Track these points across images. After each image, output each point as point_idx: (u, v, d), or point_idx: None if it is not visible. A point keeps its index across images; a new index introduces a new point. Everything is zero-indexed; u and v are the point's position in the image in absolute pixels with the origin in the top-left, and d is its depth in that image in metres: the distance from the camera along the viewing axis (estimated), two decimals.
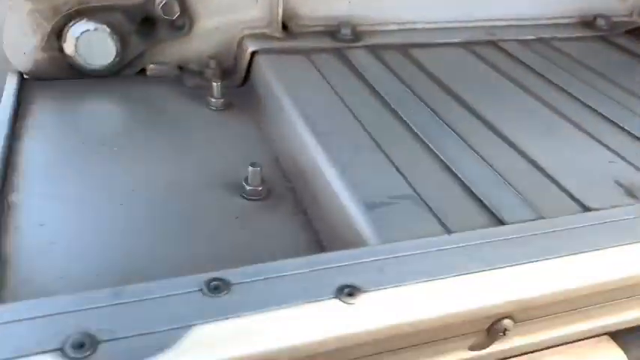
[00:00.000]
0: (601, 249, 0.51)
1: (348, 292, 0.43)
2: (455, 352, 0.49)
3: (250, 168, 0.64)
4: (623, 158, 0.70)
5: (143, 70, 0.88)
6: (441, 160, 0.66)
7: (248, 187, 0.64)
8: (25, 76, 0.84)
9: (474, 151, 0.68)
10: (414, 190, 0.60)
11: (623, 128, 0.77)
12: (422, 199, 0.59)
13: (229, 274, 0.44)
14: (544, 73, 0.92)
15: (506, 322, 0.47)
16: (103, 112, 0.82)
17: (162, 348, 0.37)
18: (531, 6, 1.10)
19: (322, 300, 0.42)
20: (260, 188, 0.64)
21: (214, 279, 0.43)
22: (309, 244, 0.59)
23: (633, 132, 0.76)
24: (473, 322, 0.47)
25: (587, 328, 0.55)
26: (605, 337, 0.58)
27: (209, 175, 0.69)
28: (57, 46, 0.82)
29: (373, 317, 0.42)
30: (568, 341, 0.56)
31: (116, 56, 0.84)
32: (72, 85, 0.84)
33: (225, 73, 0.90)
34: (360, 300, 0.43)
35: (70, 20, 0.81)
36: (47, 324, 0.38)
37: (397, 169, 0.63)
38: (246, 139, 0.77)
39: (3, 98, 0.77)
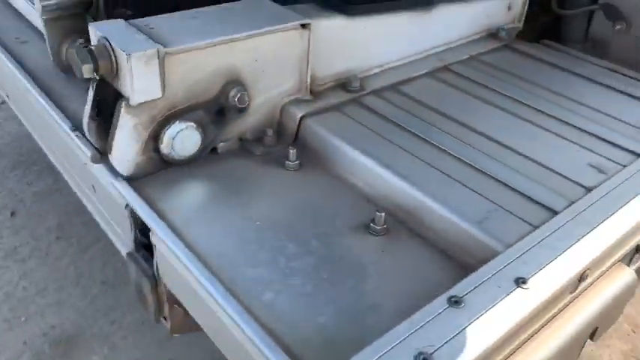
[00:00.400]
0: None
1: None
2: None
3: (377, 213, 0.88)
4: (584, 147, 1.07)
5: (214, 149, 1.05)
6: (478, 170, 0.97)
7: (378, 227, 0.88)
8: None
9: (494, 159, 1.00)
10: (488, 199, 0.90)
11: (571, 124, 1.14)
12: (497, 204, 0.89)
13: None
14: (494, 87, 1.26)
15: None
16: (209, 188, 0.98)
17: None
18: (454, 30, 1.44)
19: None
20: (385, 226, 0.89)
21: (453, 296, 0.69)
22: (440, 256, 0.86)
23: (580, 126, 1.13)
24: None
25: None
26: None
27: (329, 223, 0.91)
28: (152, 147, 0.96)
29: None
30: None
31: (200, 145, 1.00)
32: (165, 174, 0.99)
33: (277, 136, 1.10)
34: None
35: (165, 125, 0.95)
36: None
37: (465, 186, 0.93)
38: (332, 188, 0.99)
39: (134, 204, 0.90)
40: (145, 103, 0.90)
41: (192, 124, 0.97)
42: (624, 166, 1.01)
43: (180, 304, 1.11)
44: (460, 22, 1.42)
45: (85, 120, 0.97)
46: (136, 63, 0.85)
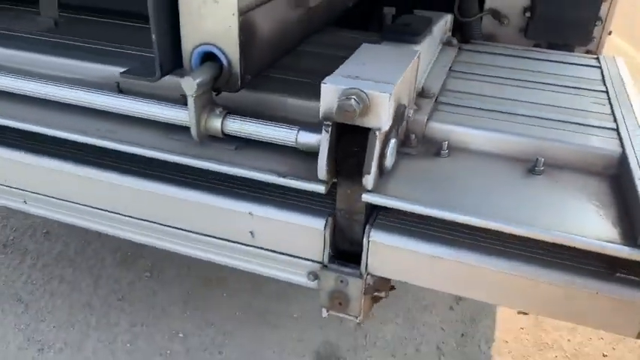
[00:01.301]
0: None
1: None
2: None
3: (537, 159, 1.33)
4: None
5: None
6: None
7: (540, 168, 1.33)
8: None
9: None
10: None
11: (548, 84, 1.74)
12: None
13: None
14: (491, 74, 1.80)
15: None
16: (434, 180, 1.31)
17: None
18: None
19: None
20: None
21: None
22: None
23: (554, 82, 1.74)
24: None
25: None
26: None
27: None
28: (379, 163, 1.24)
29: None
30: None
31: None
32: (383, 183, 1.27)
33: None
34: None
35: (386, 144, 1.24)
36: None
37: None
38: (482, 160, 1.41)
39: (389, 203, 1.18)
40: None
41: (395, 139, 1.28)
42: None
43: (383, 288, 1.41)
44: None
45: (323, 161, 1.21)
46: (388, 99, 1.15)
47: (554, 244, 1.18)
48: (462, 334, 2.40)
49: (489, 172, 1.35)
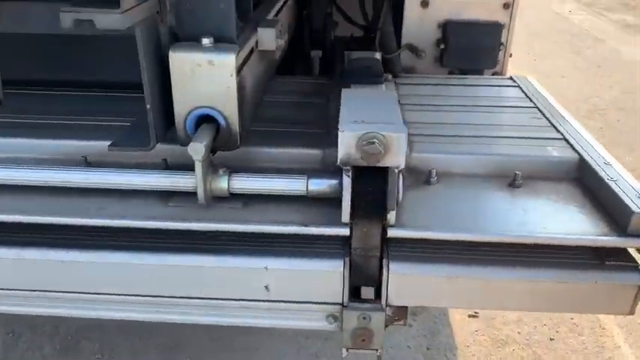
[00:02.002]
0: None
1: None
2: None
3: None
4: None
5: None
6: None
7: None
8: None
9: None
10: None
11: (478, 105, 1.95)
12: None
13: None
14: (428, 102, 1.97)
15: None
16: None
17: None
18: None
19: None
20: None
21: None
22: None
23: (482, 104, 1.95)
24: None
25: None
26: None
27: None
28: None
29: None
30: None
31: None
32: None
33: None
34: None
35: None
36: None
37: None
38: None
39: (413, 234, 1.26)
40: None
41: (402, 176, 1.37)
42: None
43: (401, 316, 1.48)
44: None
45: (347, 204, 1.25)
46: (404, 139, 1.24)
47: (549, 246, 1.34)
48: (428, 348, 2.53)
49: (478, 191, 1.49)
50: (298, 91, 1.93)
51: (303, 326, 1.47)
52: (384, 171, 1.28)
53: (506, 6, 2.35)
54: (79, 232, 1.36)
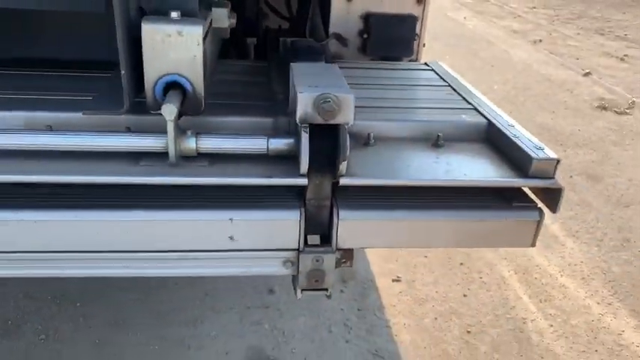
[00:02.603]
0: None
1: None
2: None
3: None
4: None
5: None
6: None
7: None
8: None
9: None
10: None
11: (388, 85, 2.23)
12: None
13: None
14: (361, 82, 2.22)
15: None
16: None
17: None
18: None
19: None
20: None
21: None
22: None
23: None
24: None
25: None
26: None
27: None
28: None
29: None
30: None
31: None
32: None
33: None
34: None
35: None
36: None
37: None
38: None
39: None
40: None
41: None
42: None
43: (348, 258, 1.71)
44: None
45: (306, 157, 1.45)
46: (353, 99, 1.46)
47: (470, 189, 1.63)
48: (359, 309, 2.78)
49: (409, 150, 1.75)
50: (242, 72, 2.11)
51: (264, 272, 1.65)
52: (335, 130, 1.50)
53: (419, 1, 2.67)
54: (51, 191, 1.46)
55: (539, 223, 1.65)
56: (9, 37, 1.92)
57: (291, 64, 1.72)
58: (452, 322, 2.73)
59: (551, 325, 2.74)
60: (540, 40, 8.62)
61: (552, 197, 1.59)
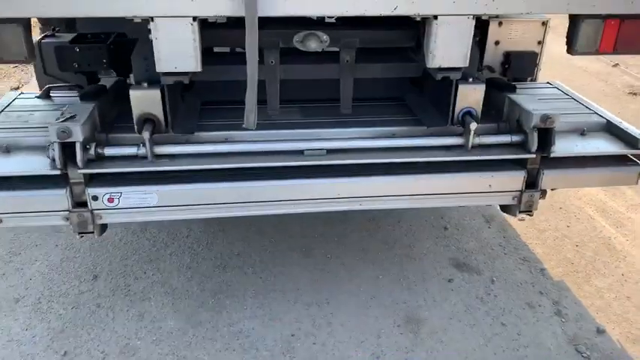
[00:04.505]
0: None
1: None
2: None
3: None
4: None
5: None
6: None
7: None
8: None
9: None
10: None
11: None
12: None
13: None
14: None
15: None
16: None
17: None
18: None
19: None
20: None
21: None
22: None
23: None
24: None
25: None
26: None
27: None
28: None
29: None
30: None
31: None
32: None
33: None
34: None
35: None
36: None
37: None
38: None
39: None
40: None
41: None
42: None
43: (544, 195, 3.39)
44: None
45: (534, 147, 3.11)
46: (559, 116, 3.12)
47: (601, 157, 3.30)
48: (504, 237, 4.45)
49: (571, 139, 3.41)
50: None
51: (502, 202, 3.34)
52: (549, 130, 3.15)
53: (539, 42, 4.29)
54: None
55: None
56: None
57: (509, 95, 3.38)
58: (565, 241, 4.41)
59: (627, 240, 4.42)
60: None
61: None
